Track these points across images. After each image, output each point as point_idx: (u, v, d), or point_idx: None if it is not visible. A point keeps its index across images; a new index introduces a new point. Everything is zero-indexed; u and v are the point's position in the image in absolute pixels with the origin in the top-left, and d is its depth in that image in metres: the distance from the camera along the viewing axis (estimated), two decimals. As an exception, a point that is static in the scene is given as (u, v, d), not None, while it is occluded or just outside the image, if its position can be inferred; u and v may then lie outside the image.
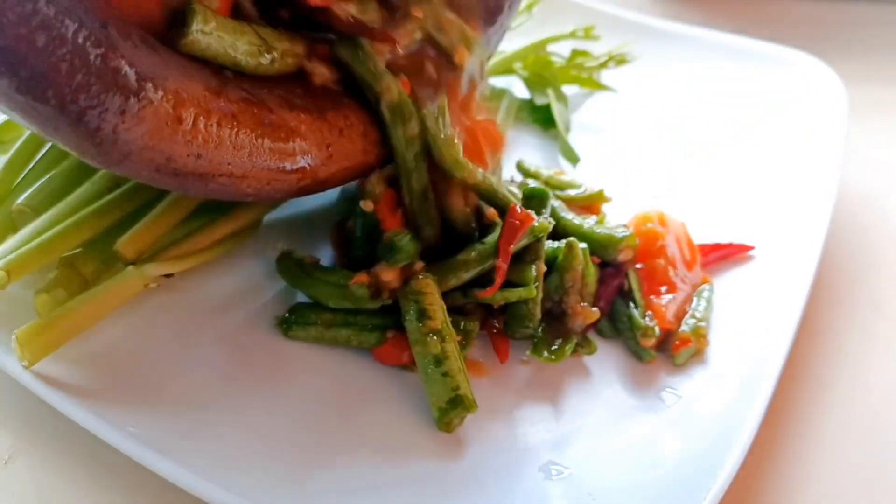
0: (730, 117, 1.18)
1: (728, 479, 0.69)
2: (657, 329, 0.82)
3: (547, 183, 0.96)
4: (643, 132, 1.15)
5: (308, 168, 0.76)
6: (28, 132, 0.90)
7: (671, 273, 0.86)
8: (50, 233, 0.79)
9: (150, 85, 0.62)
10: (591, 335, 0.85)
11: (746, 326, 0.86)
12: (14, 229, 0.83)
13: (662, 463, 0.73)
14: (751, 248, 0.94)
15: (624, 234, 0.86)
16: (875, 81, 1.35)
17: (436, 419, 0.74)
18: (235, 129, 0.69)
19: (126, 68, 0.60)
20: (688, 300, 0.87)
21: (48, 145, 0.89)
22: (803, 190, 1.01)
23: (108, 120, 0.60)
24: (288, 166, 0.74)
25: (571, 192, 0.95)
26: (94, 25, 0.58)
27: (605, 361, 0.83)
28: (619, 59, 1.25)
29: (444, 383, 0.74)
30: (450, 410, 0.73)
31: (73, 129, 0.59)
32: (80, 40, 0.57)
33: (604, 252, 0.87)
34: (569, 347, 0.81)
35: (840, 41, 1.45)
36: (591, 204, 0.94)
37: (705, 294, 0.88)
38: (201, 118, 0.66)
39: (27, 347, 0.74)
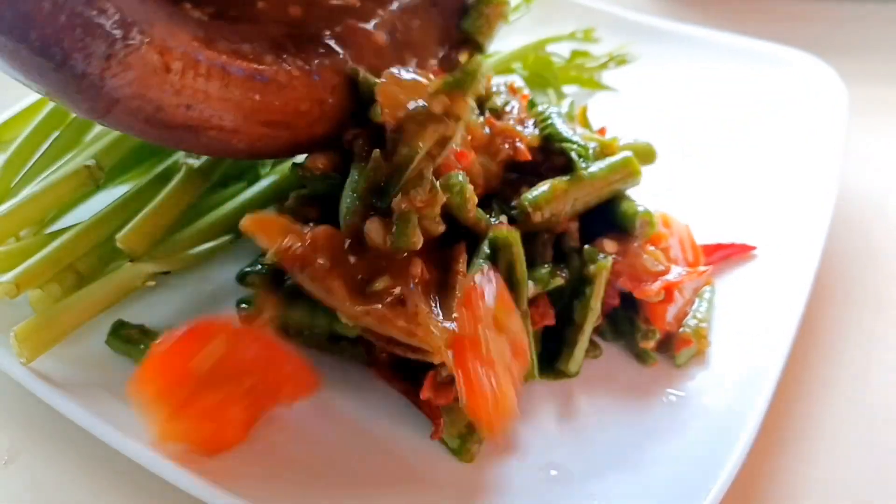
0: (730, 117, 1.18)
1: (729, 479, 0.69)
2: (657, 332, 0.82)
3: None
4: (643, 132, 1.15)
5: (301, 125, 0.74)
6: (28, 132, 0.90)
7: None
8: (57, 242, 0.80)
9: (136, 30, 0.60)
10: (594, 337, 0.84)
11: (747, 326, 0.85)
12: (13, 234, 0.83)
13: (663, 463, 0.73)
14: (753, 247, 0.94)
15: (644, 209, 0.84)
16: (875, 81, 1.35)
17: (455, 449, 0.73)
18: (225, 82, 0.67)
19: (111, 10, 0.58)
20: (689, 302, 0.86)
21: (48, 145, 0.90)
22: (804, 189, 1.01)
23: (94, 65, 0.58)
24: (280, 122, 0.72)
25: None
26: None
27: (606, 363, 0.83)
28: (619, 60, 1.25)
29: (459, 407, 0.71)
30: (469, 436, 0.72)
31: (58, 74, 0.58)
32: None
33: (626, 223, 0.84)
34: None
35: (840, 41, 1.45)
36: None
37: (706, 295, 0.88)
38: (190, 68, 0.64)
39: (25, 344, 0.74)
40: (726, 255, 0.93)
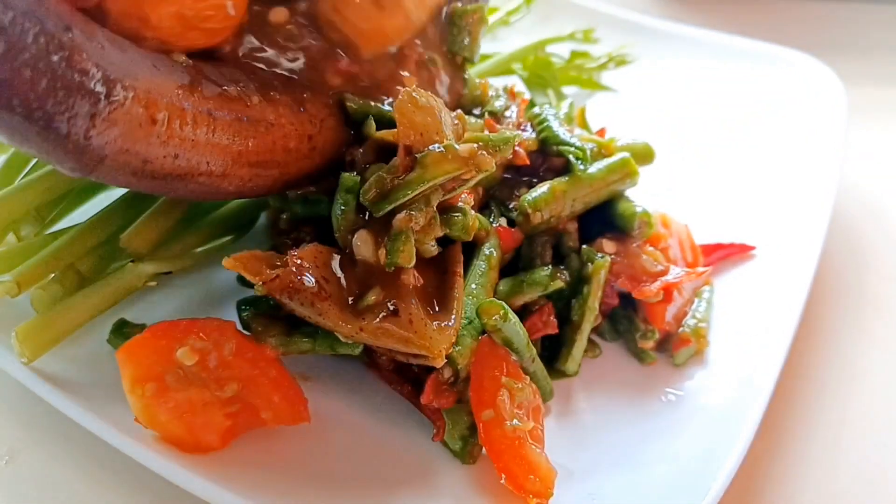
0: (729, 117, 1.18)
1: (728, 478, 0.69)
2: (656, 332, 0.82)
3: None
4: (643, 132, 1.15)
5: (290, 162, 0.74)
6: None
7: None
8: (58, 242, 0.80)
9: (119, 86, 0.60)
10: (593, 337, 0.84)
11: (746, 326, 0.86)
12: (16, 232, 0.83)
13: (663, 462, 0.73)
14: (752, 247, 0.94)
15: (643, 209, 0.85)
16: (874, 81, 1.36)
17: (457, 452, 0.73)
18: (212, 128, 0.67)
19: (93, 70, 0.58)
20: (688, 302, 0.87)
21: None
22: (803, 190, 1.01)
23: (78, 125, 0.58)
24: (269, 162, 0.72)
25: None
26: (56, 28, 0.56)
27: (605, 362, 0.83)
28: (619, 61, 1.25)
29: (461, 410, 0.73)
30: (472, 437, 0.72)
31: (43, 137, 0.57)
32: (42, 44, 0.55)
33: (624, 223, 0.85)
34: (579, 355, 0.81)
35: (840, 41, 1.45)
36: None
37: (705, 295, 0.88)
38: (176, 118, 0.64)
39: (27, 344, 0.74)
40: (725, 254, 0.93)
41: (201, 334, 0.69)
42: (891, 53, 1.45)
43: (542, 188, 0.82)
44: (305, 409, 0.71)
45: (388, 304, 0.69)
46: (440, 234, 0.72)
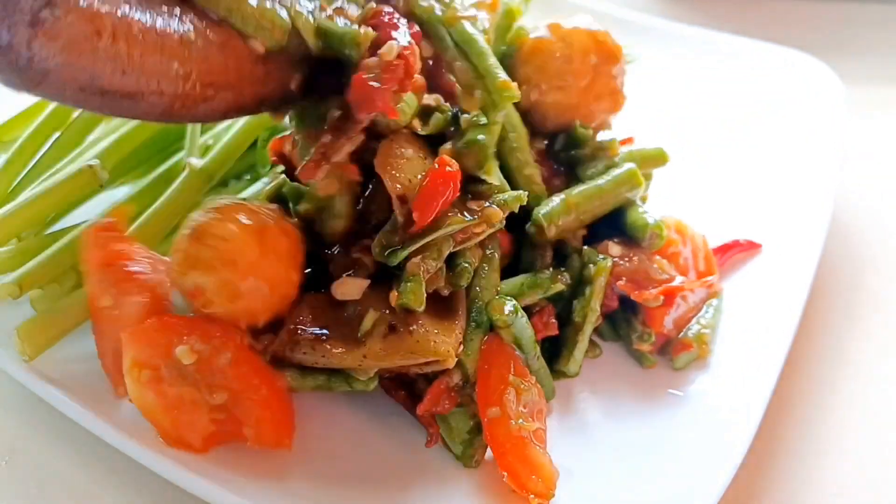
0: (729, 117, 1.18)
1: (728, 478, 0.69)
2: (653, 335, 0.82)
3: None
4: (643, 132, 1.15)
5: (245, 85, 0.71)
6: (28, 132, 0.90)
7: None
8: (59, 244, 0.80)
9: None
10: (593, 337, 0.84)
11: (746, 326, 0.86)
12: (17, 234, 0.83)
13: (663, 462, 0.73)
14: (759, 245, 0.94)
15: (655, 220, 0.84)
16: (874, 81, 1.35)
17: (459, 455, 0.73)
18: (160, 44, 0.64)
19: None
20: (695, 309, 0.86)
21: (48, 145, 0.90)
22: (802, 190, 1.01)
23: (21, 34, 0.56)
24: (222, 83, 0.69)
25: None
26: None
27: (606, 363, 0.83)
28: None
29: (462, 413, 0.73)
30: (473, 439, 0.73)
31: None
32: None
33: (636, 233, 0.85)
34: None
35: (840, 41, 1.45)
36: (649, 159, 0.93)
37: (714, 303, 0.87)
38: (122, 32, 0.61)
39: (28, 342, 0.74)
40: (733, 253, 0.93)
41: (203, 336, 0.69)
42: (891, 53, 1.45)
43: (554, 201, 0.82)
44: (289, 437, 0.71)
45: (385, 323, 0.70)
46: (442, 284, 0.73)
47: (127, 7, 0.62)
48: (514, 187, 0.80)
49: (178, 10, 0.66)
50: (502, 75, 0.76)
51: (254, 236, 0.70)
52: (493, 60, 0.77)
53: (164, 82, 0.65)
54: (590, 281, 0.81)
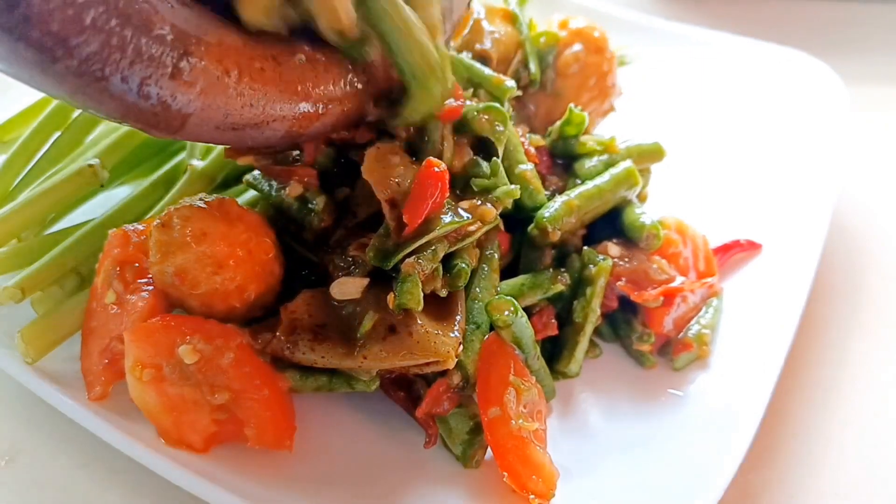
0: (729, 117, 1.18)
1: (728, 478, 0.69)
2: (652, 335, 0.82)
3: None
4: (643, 132, 1.15)
5: (346, 98, 0.74)
6: (29, 132, 0.90)
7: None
8: (60, 247, 0.80)
9: (194, 44, 0.61)
10: (593, 337, 0.84)
11: (745, 326, 0.85)
12: (17, 234, 0.83)
13: (663, 462, 0.73)
14: (759, 245, 0.94)
15: (652, 220, 0.85)
16: (875, 81, 1.35)
17: (459, 456, 0.73)
18: (278, 72, 0.68)
19: (168, 32, 0.59)
20: (695, 309, 0.86)
21: (48, 145, 0.90)
22: (803, 189, 1.01)
23: (165, 86, 0.60)
24: (330, 99, 0.72)
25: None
26: None
27: (606, 363, 0.83)
28: (619, 61, 1.24)
29: (462, 413, 0.73)
30: (473, 440, 0.73)
31: (135, 104, 0.59)
32: (123, 8, 0.56)
33: (633, 234, 0.85)
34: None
35: (840, 41, 1.45)
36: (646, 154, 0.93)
37: (714, 303, 0.87)
38: (246, 67, 0.65)
39: (31, 344, 0.74)
40: (734, 252, 0.93)
41: (206, 336, 0.69)
42: (892, 53, 1.45)
43: (556, 204, 0.82)
44: (290, 438, 0.71)
45: (385, 324, 0.70)
46: (439, 286, 0.73)
47: (245, 42, 0.66)
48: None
49: (284, 37, 0.70)
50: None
51: (216, 209, 0.72)
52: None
53: (285, 107, 0.69)
54: (590, 281, 0.81)
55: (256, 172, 0.83)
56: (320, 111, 0.72)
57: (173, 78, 0.60)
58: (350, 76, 0.73)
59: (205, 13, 0.64)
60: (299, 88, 0.69)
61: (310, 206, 0.78)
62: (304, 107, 0.70)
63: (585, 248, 0.83)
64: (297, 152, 0.82)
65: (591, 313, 0.80)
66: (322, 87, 0.71)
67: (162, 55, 0.59)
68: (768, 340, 0.82)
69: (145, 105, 0.60)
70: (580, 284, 0.82)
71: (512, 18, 0.97)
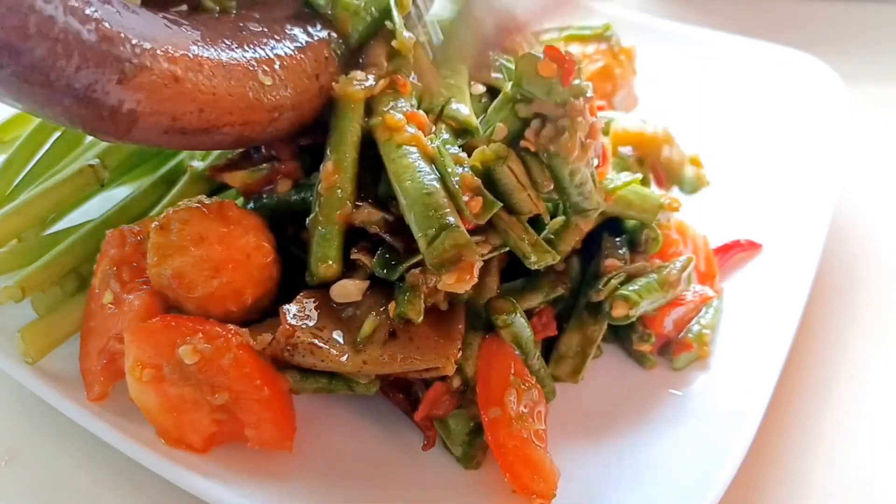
0: (730, 117, 1.18)
1: (729, 478, 0.69)
2: (653, 336, 0.82)
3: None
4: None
5: (304, 103, 0.75)
6: (29, 132, 0.90)
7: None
8: (60, 247, 0.80)
9: (142, 49, 0.61)
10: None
11: (746, 326, 0.86)
12: (17, 234, 0.83)
13: (663, 463, 0.73)
14: (759, 245, 0.94)
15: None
16: (875, 81, 1.35)
17: (459, 458, 0.73)
18: (228, 77, 0.68)
19: (118, 37, 0.60)
20: (695, 309, 0.86)
21: (48, 145, 0.90)
22: (804, 190, 1.01)
23: (110, 92, 0.60)
24: (284, 105, 0.73)
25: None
26: (78, 2, 0.57)
27: (606, 363, 0.83)
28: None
29: (461, 415, 0.73)
30: (473, 441, 0.73)
31: (78, 109, 0.59)
32: (70, 19, 0.56)
33: (632, 237, 0.85)
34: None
35: (840, 41, 1.45)
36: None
37: (714, 303, 0.87)
38: (196, 72, 0.65)
39: (32, 345, 0.74)
40: (734, 253, 0.93)
41: (207, 336, 0.69)
42: (892, 53, 1.45)
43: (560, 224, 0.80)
44: (290, 439, 0.71)
45: (385, 329, 0.70)
46: (442, 298, 0.73)
47: (195, 47, 0.66)
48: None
49: (240, 38, 0.71)
50: None
51: (214, 212, 0.72)
52: None
53: (236, 113, 0.69)
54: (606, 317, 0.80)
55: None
56: (272, 117, 0.72)
57: (120, 83, 0.60)
58: (312, 82, 0.74)
59: (153, 18, 0.65)
60: (251, 95, 0.70)
61: (304, 188, 0.78)
62: (256, 114, 0.71)
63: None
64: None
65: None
66: (275, 94, 0.71)
67: (109, 61, 0.59)
68: (768, 340, 0.82)
69: (92, 110, 0.60)
70: (580, 287, 0.82)
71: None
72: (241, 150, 0.82)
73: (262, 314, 0.75)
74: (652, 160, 0.91)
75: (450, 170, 0.70)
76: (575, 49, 1.04)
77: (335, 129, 0.75)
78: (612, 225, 0.86)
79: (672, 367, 0.82)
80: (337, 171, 0.73)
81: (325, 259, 0.72)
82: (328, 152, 0.74)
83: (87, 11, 0.58)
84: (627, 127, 0.91)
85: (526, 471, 0.68)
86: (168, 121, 0.65)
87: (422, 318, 0.69)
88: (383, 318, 0.71)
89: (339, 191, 0.73)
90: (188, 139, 0.68)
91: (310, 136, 0.79)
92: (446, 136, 0.75)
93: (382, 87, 0.76)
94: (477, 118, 0.77)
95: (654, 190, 0.88)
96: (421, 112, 0.76)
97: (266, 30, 0.74)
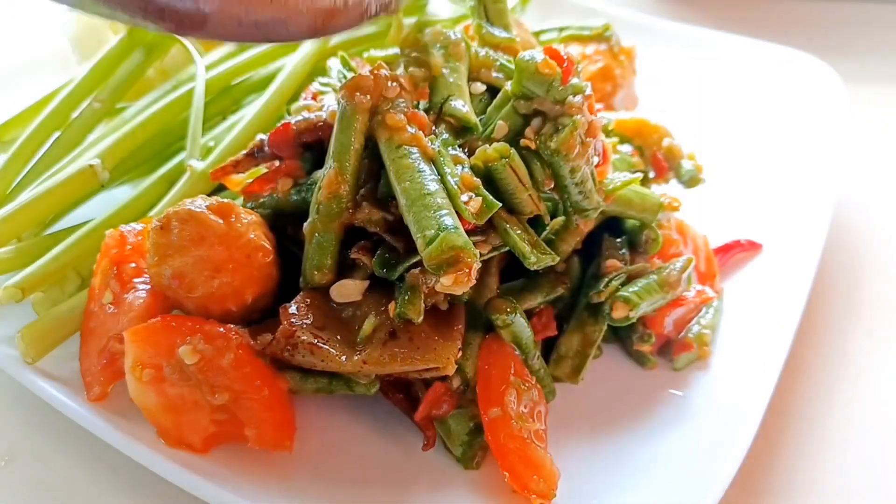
0: (730, 117, 1.18)
1: (729, 478, 0.69)
2: (653, 336, 0.82)
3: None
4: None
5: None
6: (29, 132, 0.90)
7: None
8: (61, 247, 0.80)
9: None
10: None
11: (746, 326, 0.86)
12: (17, 234, 0.83)
13: (663, 463, 0.73)
14: (759, 245, 0.94)
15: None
16: (875, 81, 1.35)
17: (459, 458, 0.73)
18: None
19: None
20: (695, 309, 0.86)
21: (48, 145, 0.90)
22: (803, 190, 1.01)
23: None
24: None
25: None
26: None
27: (607, 364, 0.83)
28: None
29: (461, 415, 0.73)
30: (473, 441, 0.73)
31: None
32: None
33: (632, 237, 0.85)
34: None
35: (840, 41, 1.45)
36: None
37: (714, 303, 0.87)
38: None
39: (32, 345, 0.74)
40: (734, 253, 0.93)
41: (207, 337, 0.69)
42: (892, 53, 1.45)
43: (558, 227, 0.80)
44: (290, 439, 0.71)
45: (385, 329, 0.70)
46: (442, 298, 0.72)
47: None
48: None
49: None
50: None
51: (215, 212, 0.72)
52: None
53: (304, 3, 0.69)
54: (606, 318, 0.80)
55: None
56: (334, 15, 0.71)
57: None
58: None
59: None
60: None
61: (305, 188, 0.78)
62: (315, 7, 0.70)
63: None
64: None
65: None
66: None
67: None
68: (768, 340, 0.82)
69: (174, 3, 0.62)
70: (580, 287, 0.81)
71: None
72: (243, 151, 0.82)
73: (263, 314, 0.75)
74: (652, 150, 0.90)
75: (449, 170, 0.70)
76: (575, 49, 1.04)
77: (338, 137, 0.74)
78: (612, 225, 0.85)
79: (672, 367, 0.82)
80: (338, 182, 0.73)
81: (320, 268, 0.73)
82: (330, 160, 0.74)
83: None
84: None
85: (526, 471, 0.68)
86: (242, 11, 0.66)
87: (422, 318, 0.69)
88: (383, 318, 0.71)
89: (338, 200, 0.73)
90: (262, 31, 0.68)
91: (313, 132, 0.79)
92: (447, 136, 0.74)
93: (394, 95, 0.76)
94: (477, 117, 0.77)
95: (653, 188, 0.88)
96: (422, 112, 0.76)
97: None
